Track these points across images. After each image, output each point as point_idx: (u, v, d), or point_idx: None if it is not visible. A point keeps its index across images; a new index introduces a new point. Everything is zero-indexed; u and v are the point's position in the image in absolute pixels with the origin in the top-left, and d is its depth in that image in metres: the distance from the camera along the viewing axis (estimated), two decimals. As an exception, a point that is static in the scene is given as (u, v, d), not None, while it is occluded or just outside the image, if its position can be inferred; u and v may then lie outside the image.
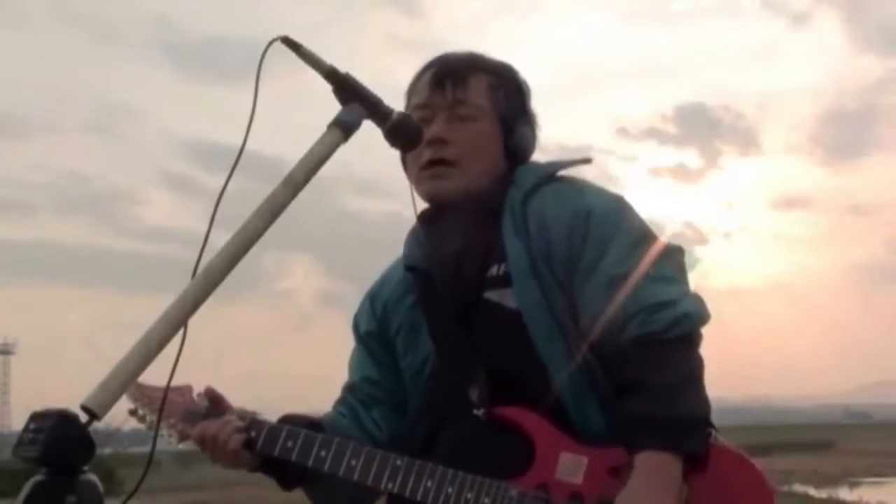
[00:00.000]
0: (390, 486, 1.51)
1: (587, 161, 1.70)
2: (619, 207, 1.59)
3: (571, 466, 1.48)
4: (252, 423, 1.59)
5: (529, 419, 1.51)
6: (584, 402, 1.52)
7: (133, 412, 1.70)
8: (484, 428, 1.54)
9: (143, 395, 1.70)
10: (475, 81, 1.65)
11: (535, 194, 1.60)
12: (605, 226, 1.55)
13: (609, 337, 1.50)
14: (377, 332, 1.73)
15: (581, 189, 1.62)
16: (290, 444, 1.55)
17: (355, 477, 1.51)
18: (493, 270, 1.58)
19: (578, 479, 1.48)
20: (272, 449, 1.55)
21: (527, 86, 1.72)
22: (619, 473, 1.45)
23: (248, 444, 1.57)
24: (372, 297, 1.76)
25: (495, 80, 1.67)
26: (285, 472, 1.62)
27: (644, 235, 1.57)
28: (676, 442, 1.43)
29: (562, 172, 1.67)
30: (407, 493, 1.49)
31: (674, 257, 1.56)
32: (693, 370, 1.51)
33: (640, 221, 1.59)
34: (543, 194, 1.60)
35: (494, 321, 1.57)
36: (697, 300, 1.54)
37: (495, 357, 1.56)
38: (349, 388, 1.76)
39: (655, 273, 1.51)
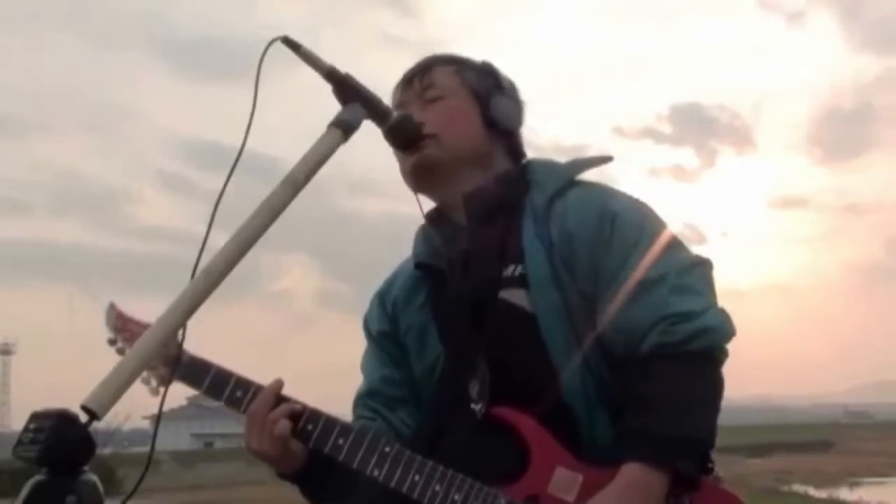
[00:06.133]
0: (376, 473, 1.45)
1: (608, 160, 1.66)
2: (643, 214, 1.56)
3: (566, 482, 1.42)
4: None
5: (527, 425, 1.46)
6: (596, 413, 1.48)
7: (112, 342, 1.62)
8: (479, 427, 1.50)
9: (126, 327, 1.62)
10: (440, 69, 1.66)
11: (559, 198, 1.56)
12: (630, 233, 1.51)
13: (629, 347, 1.46)
14: (390, 332, 1.69)
15: (606, 194, 1.59)
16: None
17: (341, 457, 1.46)
18: (510, 271, 1.54)
19: (571, 497, 1.42)
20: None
21: (505, 78, 1.69)
22: None
23: (297, 434, 1.49)
24: (381, 296, 1.73)
25: (460, 66, 1.68)
26: (321, 485, 1.55)
27: (669, 244, 1.51)
28: (666, 459, 1.37)
29: (583, 174, 1.63)
30: (392, 484, 1.44)
31: (701, 269, 1.52)
32: (706, 389, 1.45)
33: (665, 229, 1.54)
34: (567, 199, 1.56)
35: (508, 321, 1.52)
36: (723, 315, 1.48)
37: (505, 356, 1.52)
38: (368, 394, 1.69)
39: (680, 283, 1.47)
